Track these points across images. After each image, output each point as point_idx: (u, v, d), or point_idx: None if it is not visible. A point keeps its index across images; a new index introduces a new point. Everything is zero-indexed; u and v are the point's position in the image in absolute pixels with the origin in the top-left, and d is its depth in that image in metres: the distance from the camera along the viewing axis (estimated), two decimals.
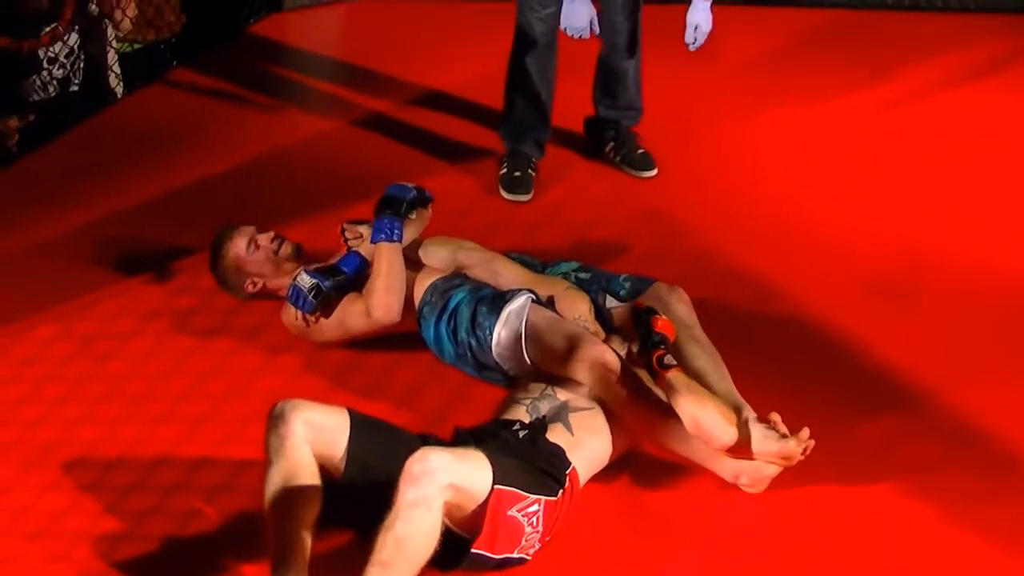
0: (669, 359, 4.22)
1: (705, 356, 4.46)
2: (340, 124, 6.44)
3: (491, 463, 3.82)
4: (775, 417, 4.22)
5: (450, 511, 3.77)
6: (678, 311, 4.58)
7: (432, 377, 4.75)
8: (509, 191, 5.78)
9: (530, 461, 3.98)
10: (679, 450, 4.23)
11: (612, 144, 6.00)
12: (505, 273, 4.78)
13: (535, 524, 3.90)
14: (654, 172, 5.95)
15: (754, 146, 6.23)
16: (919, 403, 4.63)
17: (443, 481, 3.70)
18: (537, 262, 4.88)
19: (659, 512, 4.24)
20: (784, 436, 4.17)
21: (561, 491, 3.99)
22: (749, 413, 4.26)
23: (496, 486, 3.81)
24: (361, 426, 3.99)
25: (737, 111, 6.52)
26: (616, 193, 5.85)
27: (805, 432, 4.17)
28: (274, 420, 3.92)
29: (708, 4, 5.61)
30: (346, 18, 7.70)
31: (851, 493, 4.26)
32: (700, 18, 5.64)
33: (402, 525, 3.68)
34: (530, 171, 5.83)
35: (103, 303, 5.17)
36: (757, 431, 4.19)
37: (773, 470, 4.20)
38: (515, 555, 3.92)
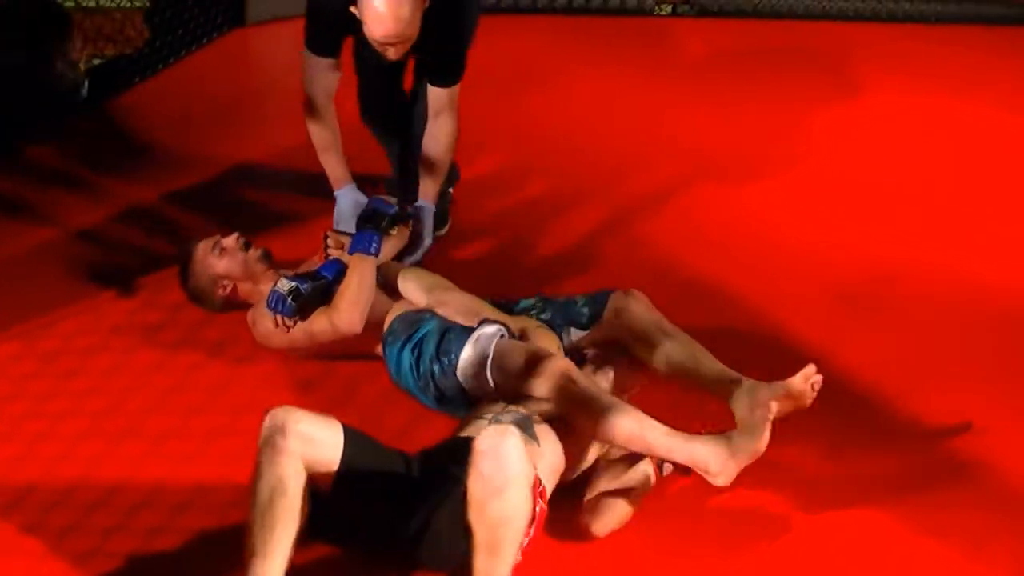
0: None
1: (684, 346, 4.49)
2: (305, 138, 6.40)
3: None
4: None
5: None
6: (639, 311, 4.58)
7: (398, 392, 4.71)
8: None
9: None
10: (640, 450, 4.22)
11: None
12: (481, 314, 4.69)
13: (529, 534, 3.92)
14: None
15: (718, 158, 6.24)
16: (883, 411, 4.65)
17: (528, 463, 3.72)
18: (509, 304, 4.82)
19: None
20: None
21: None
22: (747, 380, 4.30)
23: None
24: (354, 443, 3.93)
25: (699, 123, 6.54)
26: (576, 204, 5.83)
27: (810, 368, 4.23)
28: (271, 431, 3.84)
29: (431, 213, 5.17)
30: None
31: (816, 503, 4.28)
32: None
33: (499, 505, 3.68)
34: None
35: (65, 320, 5.11)
36: (762, 386, 4.24)
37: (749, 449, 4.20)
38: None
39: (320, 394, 4.73)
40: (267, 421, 3.86)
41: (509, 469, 3.66)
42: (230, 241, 4.97)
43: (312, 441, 3.85)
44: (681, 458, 4.17)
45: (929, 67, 7.22)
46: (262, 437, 3.84)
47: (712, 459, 4.15)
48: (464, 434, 4.18)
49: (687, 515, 4.25)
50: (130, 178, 6.07)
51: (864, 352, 4.90)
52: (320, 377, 4.82)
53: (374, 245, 4.78)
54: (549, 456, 4.13)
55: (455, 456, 3.99)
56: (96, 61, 7.06)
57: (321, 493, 3.89)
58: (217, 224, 5.45)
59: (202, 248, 4.97)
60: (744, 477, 4.25)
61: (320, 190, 5.83)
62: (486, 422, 4.18)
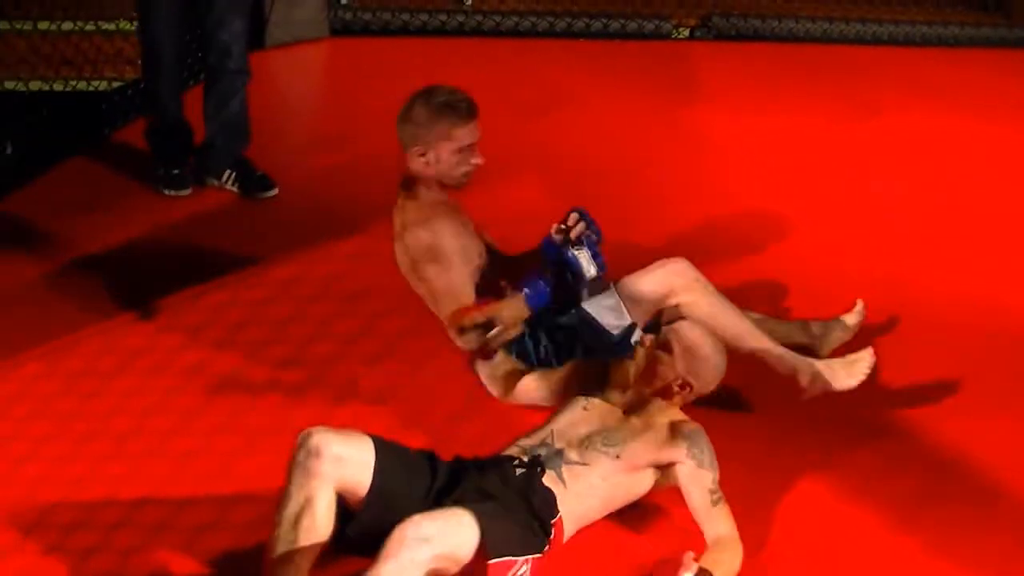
0: None
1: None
2: (324, 158, 6.42)
3: (483, 529, 3.78)
4: None
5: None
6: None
7: (425, 404, 4.73)
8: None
9: (522, 507, 3.97)
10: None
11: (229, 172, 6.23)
12: None
13: None
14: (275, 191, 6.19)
15: (735, 180, 6.26)
16: (908, 434, 4.65)
17: (430, 552, 3.67)
18: None
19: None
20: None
21: (547, 544, 3.97)
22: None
23: (491, 561, 3.78)
24: (385, 457, 3.94)
25: (717, 144, 6.56)
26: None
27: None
28: (304, 452, 3.85)
29: None
30: (327, 55, 7.72)
31: (843, 523, 4.28)
32: None
33: None
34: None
35: (88, 340, 5.14)
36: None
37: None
38: None
39: (345, 411, 4.73)
40: (301, 443, 3.87)
41: (409, 555, 3.66)
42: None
43: (344, 462, 3.87)
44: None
45: (943, 89, 7.26)
46: (295, 459, 3.86)
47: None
48: (505, 453, 4.19)
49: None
50: (150, 199, 6.10)
51: (886, 373, 4.91)
52: (344, 394, 4.83)
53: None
54: (576, 499, 4.09)
55: (490, 469, 4.06)
56: (116, 84, 7.11)
57: (352, 508, 3.91)
58: (236, 245, 5.48)
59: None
60: (762, 498, 4.31)
61: (338, 210, 5.88)
62: (522, 448, 4.18)
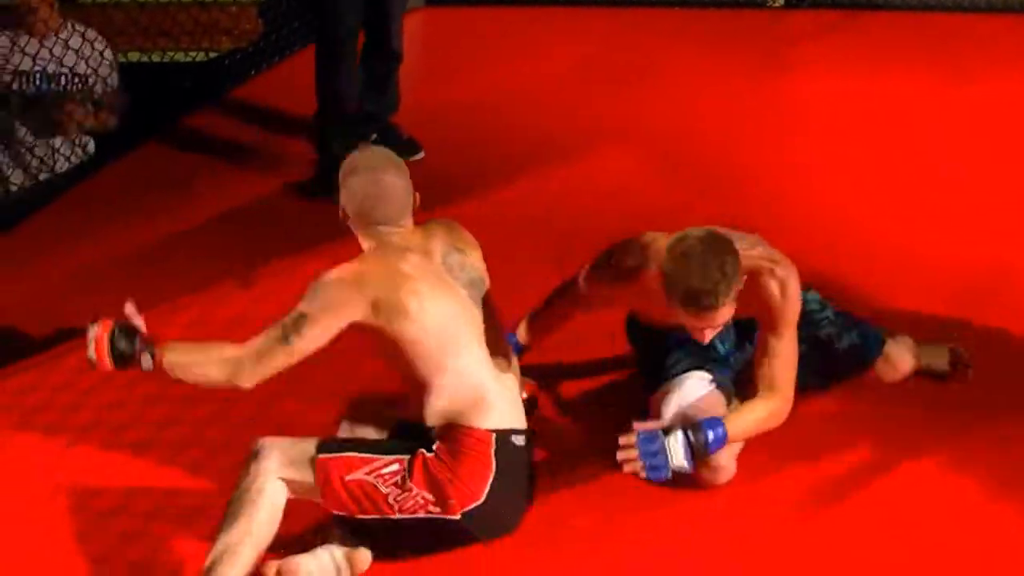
0: None
1: None
2: (419, 129, 6.41)
3: (319, 443, 4.02)
4: None
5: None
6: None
7: None
8: None
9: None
10: None
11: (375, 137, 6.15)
12: None
13: (400, 483, 3.97)
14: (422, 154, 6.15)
15: (832, 150, 6.22)
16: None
17: (274, 462, 3.95)
18: None
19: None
20: None
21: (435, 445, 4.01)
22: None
23: (319, 456, 3.97)
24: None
25: (812, 115, 6.51)
26: (688, 197, 5.80)
27: None
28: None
29: None
30: (423, 24, 7.71)
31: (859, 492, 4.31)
32: None
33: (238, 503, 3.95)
34: None
35: None
36: None
37: None
38: (400, 516, 3.98)
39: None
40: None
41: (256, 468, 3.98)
42: None
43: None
44: None
45: None
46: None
47: None
48: None
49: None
50: (229, 178, 6.13)
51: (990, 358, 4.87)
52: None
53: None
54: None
55: None
56: (212, 54, 7.16)
57: None
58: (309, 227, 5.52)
59: None
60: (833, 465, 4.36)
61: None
62: None
